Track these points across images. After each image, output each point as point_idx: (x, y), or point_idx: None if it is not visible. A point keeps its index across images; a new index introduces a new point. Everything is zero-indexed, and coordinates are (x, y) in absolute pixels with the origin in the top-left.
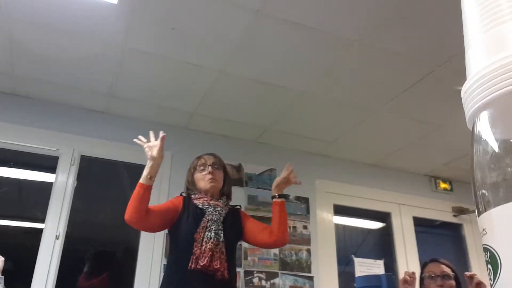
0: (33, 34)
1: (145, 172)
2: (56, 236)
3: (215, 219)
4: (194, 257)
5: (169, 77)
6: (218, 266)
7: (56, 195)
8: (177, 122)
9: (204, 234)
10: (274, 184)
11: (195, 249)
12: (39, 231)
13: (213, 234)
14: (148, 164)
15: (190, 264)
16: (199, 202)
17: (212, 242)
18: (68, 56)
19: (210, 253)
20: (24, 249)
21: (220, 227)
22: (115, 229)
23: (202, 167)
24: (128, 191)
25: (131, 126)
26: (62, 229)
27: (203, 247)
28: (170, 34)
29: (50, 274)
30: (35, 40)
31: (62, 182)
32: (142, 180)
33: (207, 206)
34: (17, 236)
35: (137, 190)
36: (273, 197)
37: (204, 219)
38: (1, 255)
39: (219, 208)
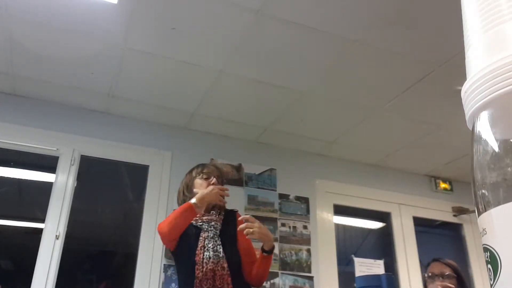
0: (33, 34)
1: (200, 197)
2: (56, 236)
3: (211, 235)
4: (198, 281)
5: (169, 77)
6: (222, 284)
7: (56, 195)
8: (177, 122)
9: (203, 255)
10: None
11: (197, 272)
12: (39, 231)
13: (211, 253)
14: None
15: None
16: (193, 220)
17: (212, 262)
18: (68, 56)
19: (212, 274)
20: (24, 249)
21: (218, 242)
22: (115, 229)
23: (206, 176)
24: (128, 191)
25: (131, 126)
26: (62, 229)
27: (204, 268)
28: (170, 34)
29: (50, 274)
30: (35, 40)
31: (62, 182)
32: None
33: (201, 223)
34: (17, 236)
35: (185, 210)
36: (263, 250)
37: (201, 238)
38: (1, 255)
39: (213, 223)
